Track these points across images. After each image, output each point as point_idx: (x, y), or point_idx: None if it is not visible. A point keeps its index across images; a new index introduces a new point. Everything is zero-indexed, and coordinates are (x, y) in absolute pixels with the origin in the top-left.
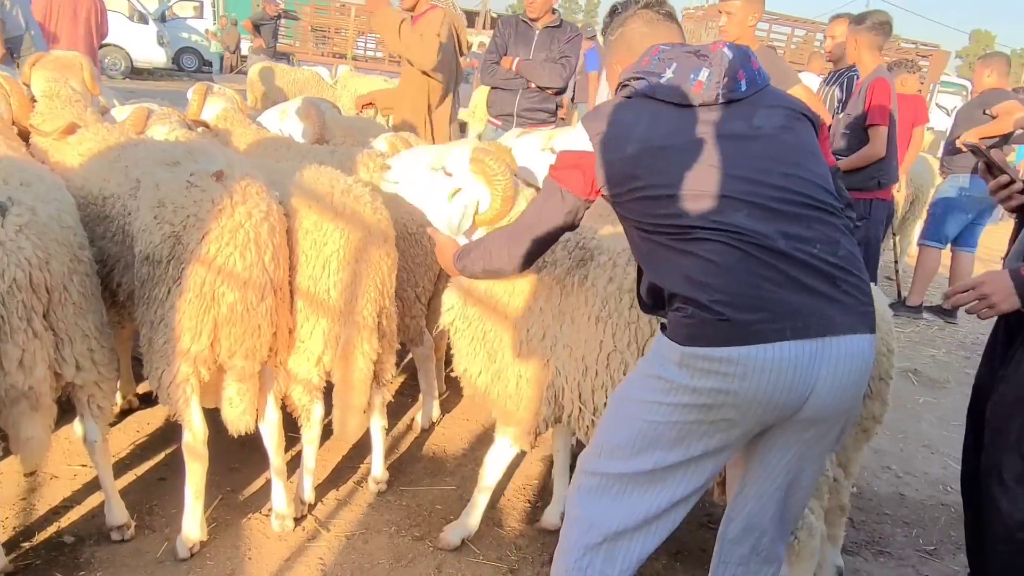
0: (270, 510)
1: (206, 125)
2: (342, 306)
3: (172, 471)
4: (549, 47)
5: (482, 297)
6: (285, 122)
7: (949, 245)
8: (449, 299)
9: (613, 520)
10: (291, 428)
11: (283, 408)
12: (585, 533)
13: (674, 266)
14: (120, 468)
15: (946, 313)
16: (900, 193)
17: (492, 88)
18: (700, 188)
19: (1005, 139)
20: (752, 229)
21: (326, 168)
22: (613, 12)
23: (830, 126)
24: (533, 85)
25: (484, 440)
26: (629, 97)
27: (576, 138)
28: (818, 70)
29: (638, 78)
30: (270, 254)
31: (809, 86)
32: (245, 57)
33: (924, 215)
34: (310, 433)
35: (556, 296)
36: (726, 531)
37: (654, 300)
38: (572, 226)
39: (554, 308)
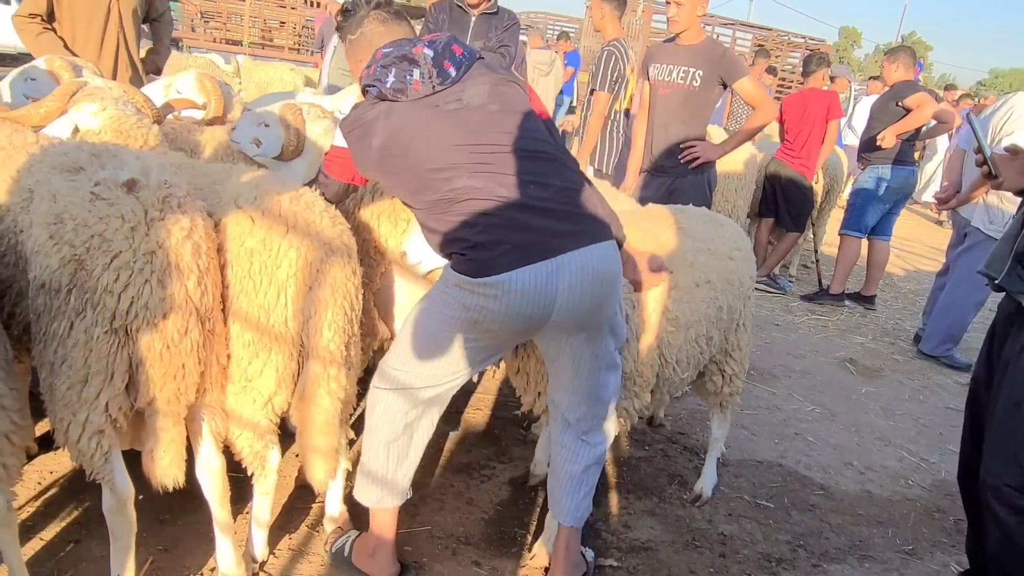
0: (213, 570)
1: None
2: (302, 339)
3: (87, 531)
4: (486, 35)
5: None
6: (171, 97)
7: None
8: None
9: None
10: (232, 468)
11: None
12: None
13: (437, 226)
14: (23, 531)
15: (865, 300)
16: (817, 185)
17: None
18: (435, 163)
19: (917, 132)
20: (479, 187)
21: (263, 172)
22: (346, 13)
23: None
24: None
25: (453, 467)
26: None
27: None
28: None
29: (371, 86)
30: (194, 280)
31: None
32: None
33: (838, 206)
34: (264, 483)
35: None
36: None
37: (439, 247)
38: (344, 200)
39: None
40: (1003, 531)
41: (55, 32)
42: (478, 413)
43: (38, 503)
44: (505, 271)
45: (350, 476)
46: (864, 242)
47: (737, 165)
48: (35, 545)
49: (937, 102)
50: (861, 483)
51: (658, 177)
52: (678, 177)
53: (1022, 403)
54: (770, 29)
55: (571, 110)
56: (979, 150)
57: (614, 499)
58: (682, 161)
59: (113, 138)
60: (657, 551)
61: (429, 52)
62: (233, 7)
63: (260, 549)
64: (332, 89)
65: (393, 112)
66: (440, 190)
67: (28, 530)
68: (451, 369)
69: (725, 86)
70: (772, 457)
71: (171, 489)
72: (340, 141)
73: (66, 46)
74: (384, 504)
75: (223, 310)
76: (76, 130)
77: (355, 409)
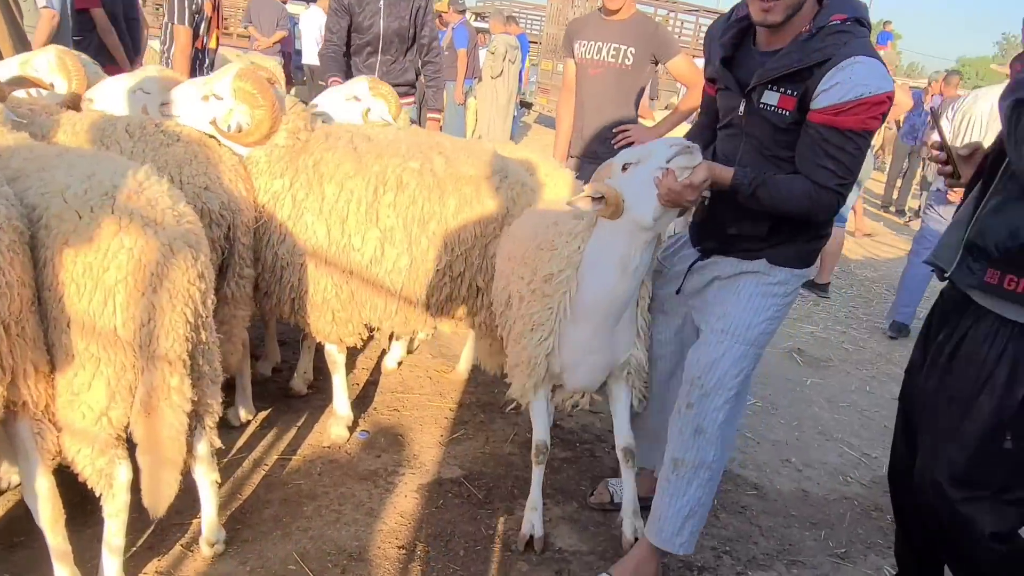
0: None
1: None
2: (136, 348)
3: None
4: (400, 15)
5: None
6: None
7: None
8: None
9: None
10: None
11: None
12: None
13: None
14: None
15: (818, 288)
16: None
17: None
18: None
19: None
20: None
21: (102, 155)
22: None
23: None
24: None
25: (357, 474)
26: None
27: None
28: None
29: None
30: None
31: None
32: None
33: None
34: (114, 504)
35: None
36: None
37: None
38: None
39: None
40: (937, 524)
41: None
42: (393, 415)
43: None
44: None
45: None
46: None
47: None
48: None
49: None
50: (798, 481)
51: (591, 164)
52: None
53: (956, 398)
54: None
55: (525, 104)
56: (943, 147)
57: None
58: (615, 146)
59: None
60: (570, 562)
61: None
62: None
63: None
64: None
65: None
66: None
67: None
68: None
69: (657, 64)
70: None
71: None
72: (883, 85)
73: None
74: None
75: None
76: None
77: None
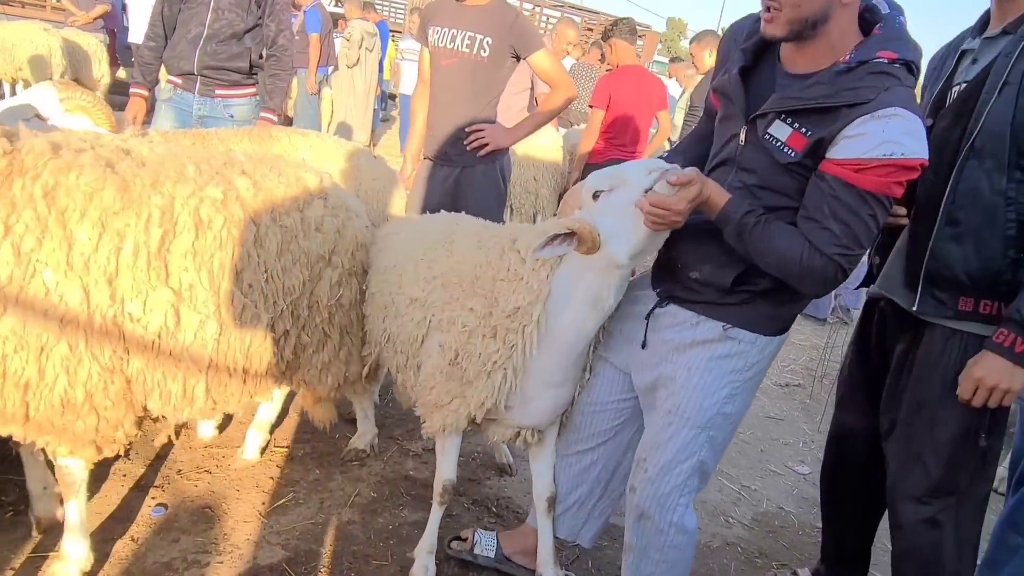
0: None
1: None
2: None
3: None
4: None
5: None
6: None
7: None
8: None
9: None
10: None
11: None
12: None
13: None
14: None
15: None
16: None
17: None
18: None
19: None
20: None
21: None
22: None
23: None
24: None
25: (145, 569)
26: None
27: None
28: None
29: (912, 60)
30: None
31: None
32: None
33: None
34: None
35: None
36: None
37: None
38: None
39: None
40: (908, 543)
41: None
42: (203, 479)
43: None
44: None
45: None
46: None
47: (536, 150)
48: None
49: None
50: None
51: (443, 167)
52: (466, 167)
53: (925, 403)
54: (596, 13)
55: (390, 96)
56: None
57: None
58: (468, 148)
59: None
60: None
61: None
62: None
63: None
64: None
65: None
66: None
67: None
68: None
69: (518, 59)
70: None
71: None
72: (917, 149)
73: None
74: None
75: None
76: None
77: None
